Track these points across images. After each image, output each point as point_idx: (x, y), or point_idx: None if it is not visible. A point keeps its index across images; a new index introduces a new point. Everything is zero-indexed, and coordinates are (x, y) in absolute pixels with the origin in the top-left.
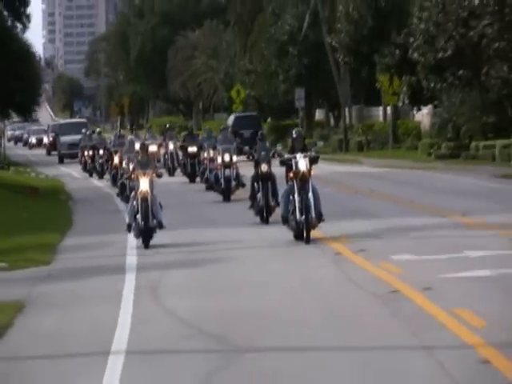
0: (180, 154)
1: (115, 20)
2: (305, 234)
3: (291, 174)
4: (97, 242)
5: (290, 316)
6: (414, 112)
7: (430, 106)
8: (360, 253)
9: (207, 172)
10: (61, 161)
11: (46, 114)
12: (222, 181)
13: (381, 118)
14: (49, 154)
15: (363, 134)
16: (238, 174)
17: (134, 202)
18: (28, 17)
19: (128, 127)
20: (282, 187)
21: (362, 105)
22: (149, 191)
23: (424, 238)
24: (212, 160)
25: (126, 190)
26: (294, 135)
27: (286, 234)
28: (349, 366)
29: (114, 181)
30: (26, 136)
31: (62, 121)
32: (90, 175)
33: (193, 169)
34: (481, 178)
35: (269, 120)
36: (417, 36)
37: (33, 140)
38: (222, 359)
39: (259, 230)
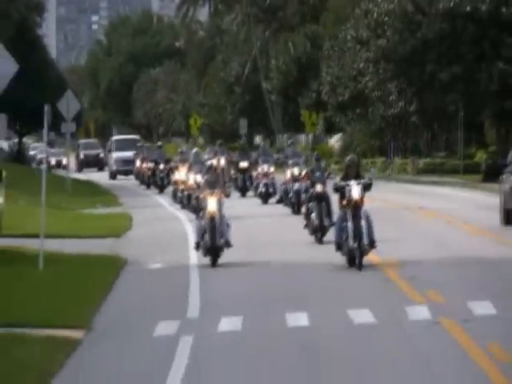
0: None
1: (86, 57)
2: (357, 261)
3: (344, 202)
4: (139, 199)
5: None
6: (329, 139)
7: (339, 135)
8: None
9: (261, 186)
10: (113, 177)
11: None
12: (292, 194)
13: (304, 143)
14: (80, 171)
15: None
16: (307, 187)
17: (202, 222)
18: None
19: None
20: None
21: (291, 133)
22: (216, 211)
23: None
24: (266, 175)
25: (191, 201)
26: (348, 162)
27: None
28: None
29: (174, 196)
30: (42, 157)
31: (115, 137)
32: (148, 187)
33: (244, 183)
34: None
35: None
36: (325, 85)
37: (52, 161)
38: None
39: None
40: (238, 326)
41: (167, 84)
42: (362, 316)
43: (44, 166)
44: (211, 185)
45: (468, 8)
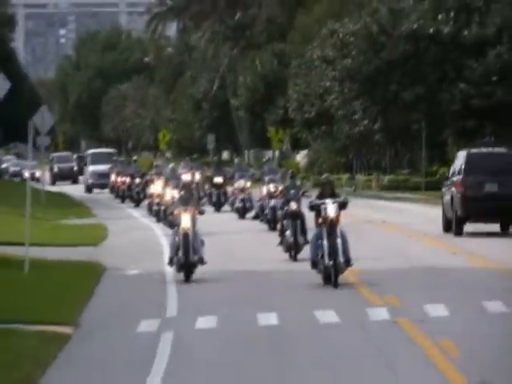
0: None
1: (55, 71)
2: (333, 279)
3: (320, 220)
4: (112, 211)
5: None
6: (295, 155)
7: (305, 151)
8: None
9: (237, 201)
10: (89, 191)
11: None
12: (268, 211)
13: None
14: (53, 184)
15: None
16: (283, 204)
17: (176, 238)
18: None
19: None
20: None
21: (257, 148)
22: (190, 228)
23: None
24: (243, 190)
25: (167, 215)
26: (323, 181)
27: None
28: None
29: (149, 209)
30: (16, 170)
31: (91, 150)
32: (123, 201)
33: (218, 198)
34: None
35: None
36: (291, 102)
37: (26, 174)
38: None
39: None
40: (214, 324)
41: (136, 99)
42: (328, 316)
43: (28, 179)
44: (185, 201)
45: (431, 30)
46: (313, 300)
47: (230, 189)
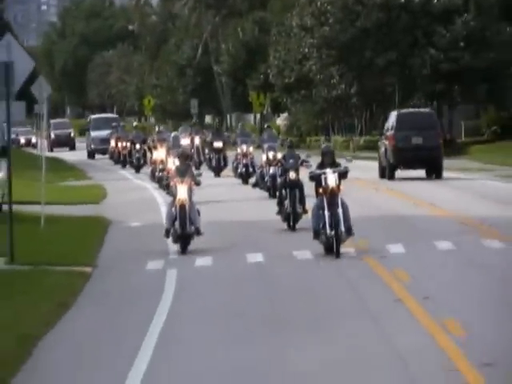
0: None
1: (41, 39)
2: (335, 249)
3: (321, 190)
4: (109, 173)
5: None
6: (276, 118)
7: (285, 114)
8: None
9: (240, 166)
10: (91, 156)
11: None
12: (268, 178)
13: (252, 122)
14: (51, 150)
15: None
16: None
17: (173, 209)
18: None
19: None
20: (310, 196)
21: (239, 112)
22: (187, 199)
23: None
24: (245, 155)
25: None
26: (324, 150)
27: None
28: None
29: (152, 175)
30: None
31: (93, 116)
32: (124, 166)
33: (218, 163)
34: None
35: (169, 122)
36: (272, 68)
37: (22, 140)
38: None
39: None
40: (210, 262)
41: (120, 66)
42: (304, 255)
43: (40, 146)
44: (181, 172)
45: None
46: (292, 243)
47: (230, 153)
